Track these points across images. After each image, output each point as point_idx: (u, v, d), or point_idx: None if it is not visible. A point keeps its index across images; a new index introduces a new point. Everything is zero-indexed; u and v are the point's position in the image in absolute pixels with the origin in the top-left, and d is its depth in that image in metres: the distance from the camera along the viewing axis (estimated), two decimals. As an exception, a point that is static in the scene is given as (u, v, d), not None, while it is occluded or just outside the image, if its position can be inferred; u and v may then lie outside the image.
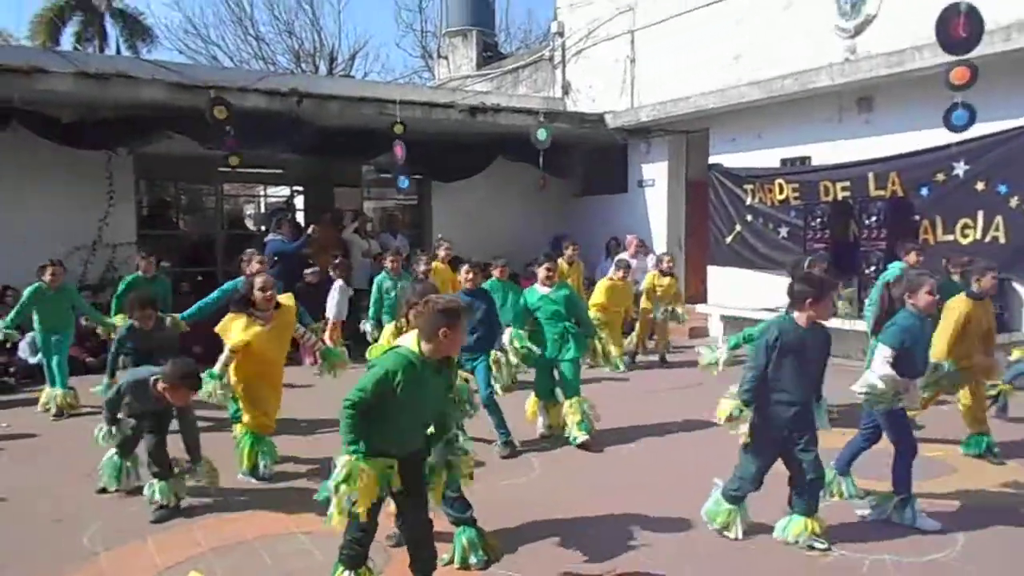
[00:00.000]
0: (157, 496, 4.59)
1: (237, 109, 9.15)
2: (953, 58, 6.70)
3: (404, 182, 10.97)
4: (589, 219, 13.50)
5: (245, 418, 5.28)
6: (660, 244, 12.23)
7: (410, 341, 3.20)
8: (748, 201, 10.74)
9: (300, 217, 13.56)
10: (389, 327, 4.57)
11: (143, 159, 10.76)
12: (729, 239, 11.13)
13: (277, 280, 10.06)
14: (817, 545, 3.99)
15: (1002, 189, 7.78)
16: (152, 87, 9.19)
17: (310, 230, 9.97)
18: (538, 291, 6.23)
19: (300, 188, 14.15)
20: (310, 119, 10.24)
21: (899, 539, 4.19)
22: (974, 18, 6.48)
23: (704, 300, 11.68)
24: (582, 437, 5.86)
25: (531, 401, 6.33)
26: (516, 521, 4.42)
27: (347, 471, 3.06)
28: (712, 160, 11.40)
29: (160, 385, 4.45)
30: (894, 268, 6.54)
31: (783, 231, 10.25)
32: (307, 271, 9.93)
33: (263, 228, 11.80)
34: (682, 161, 12.37)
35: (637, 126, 12.15)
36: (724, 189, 11.16)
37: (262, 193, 15.68)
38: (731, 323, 11.15)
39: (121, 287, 7.60)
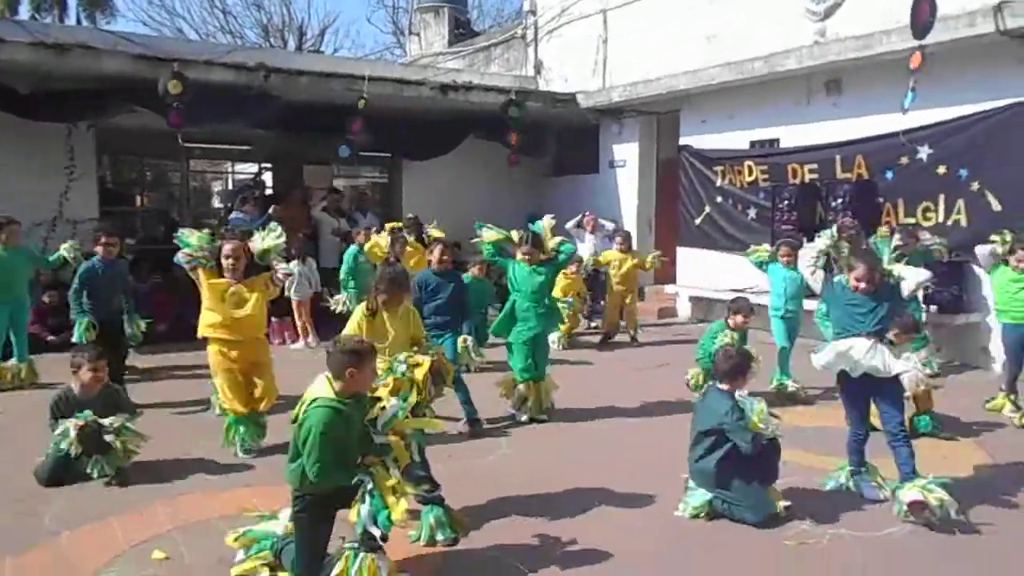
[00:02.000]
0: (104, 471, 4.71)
1: (202, 83, 8.96)
2: (918, 43, 6.77)
3: (345, 151, 10.68)
4: (561, 199, 13.46)
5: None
6: (631, 224, 12.27)
7: (322, 387, 3.32)
8: (718, 183, 10.82)
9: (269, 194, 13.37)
10: (360, 308, 4.54)
11: (106, 133, 10.50)
12: (699, 220, 11.21)
13: None
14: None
15: (963, 173, 7.92)
16: (114, 59, 8.94)
17: (271, 210, 9.74)
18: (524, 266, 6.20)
19: (268, 165, 13.95)
20: (277, 94, 10.05)
21: (857, 512, 4.31)
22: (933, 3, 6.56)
23: (673, 281, 11.77)
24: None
25: (505, 382, 6.30)
26: (484, 498, 4.46)
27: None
28: (683, 141, 11.44)
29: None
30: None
31: (752, 212, 10.35)
32: None
33: (229, 205, 11.60)
34: (653, 142, 12.40)
35: (609, 106, 12.14)
36: (694, 170, 11.22)
37: (229, 170, 15.42)
38: (699, 304, 11.28)
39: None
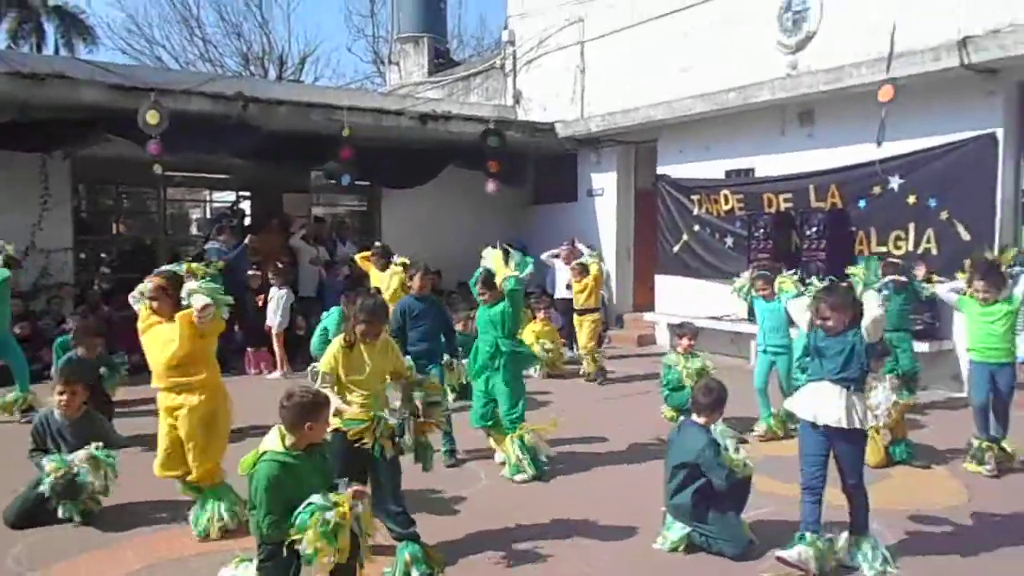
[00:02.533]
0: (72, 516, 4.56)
1: (181, 112, 8.95)
2: (886, 76, 6.94)
3: (346, 178, 10.92)
4: (540, 228, 13.57)
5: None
6: (609, 252, 12.36)
7: (273, 440, 3.32)
8: (695, 211, 10.94)
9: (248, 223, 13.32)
10: (336, 340, 4.47)
11: (81, 162, 10.43)
12: (676, 248, 11.31)
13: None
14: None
15: (932, 203, 8.08)
16: (91, 89, 8.91)
17: (247, 239, 9.66)
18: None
19: (247, 193, 13.91)
20: (256, 124, 10.06)
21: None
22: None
23: (652, 308, 11.83)
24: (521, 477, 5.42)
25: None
26: (461, 532, 4.41)
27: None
28: (660, 171, 11.58)
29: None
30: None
31: (728, 241, 10.46)
32: (249, 273, 9.80)
33: (207, 234, 11.53)
34: (631, 171, 12.54)
35: (587, 136, 12.28)
36: (672, 199, 11.34)
37: (207, 198, 15.35)
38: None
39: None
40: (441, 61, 16.80)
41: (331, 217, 14.67)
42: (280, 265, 9.70)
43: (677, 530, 4.21)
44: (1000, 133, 7.63)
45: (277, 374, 9.29)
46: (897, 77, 7.00)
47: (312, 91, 12.72)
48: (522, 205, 13.98)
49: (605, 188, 12.65)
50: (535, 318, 9.75)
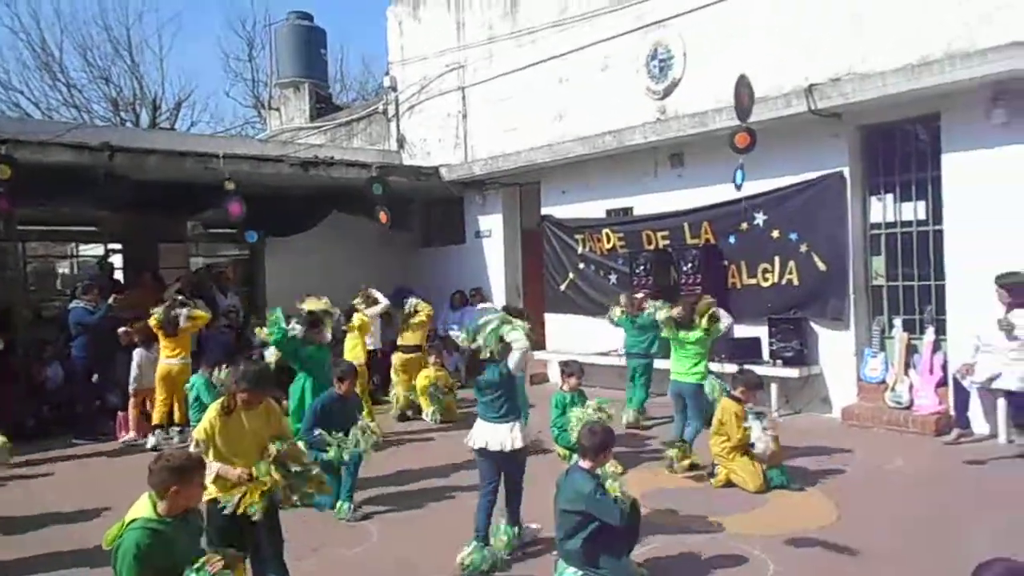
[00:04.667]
0: None
1: (36, 164, 8.42)
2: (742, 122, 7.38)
3: (252, 236, 10.62)
4: (430, 270, 13.56)
5: None
6: (499, 293, 12.48)
7: (143, 507, 3.16)
8: (580, 250, 11.25)
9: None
10: (213, 407, 4.27)
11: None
12: (563, 286, 11.56)
13: (82, 353, 9.08)
14: None
15: (793, 236, 8.66)
16: (-67, 141, 8.26)
17: (111, 300, 9.05)
18: None
19: (118, 246, 13.16)
20: (125, 174, 9.59)
21: (723, 570, 4.45)
22: (751, 90, 7.22)
23: (543, 347, 11.99)
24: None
25: None
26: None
27: None
28: (544, 211, 11.86)
29: None
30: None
31: (612, 278, 10.80)
32: (121, 329, 9.21)
33: (71, 292, 10.79)
34: (517, 212, 12.77)
35: (472, 179, 12.44)
36: (557, 239, 11.62)
37: (74, 252, 14.42)
38: (569, 368, 11.52)
39: None
40: (323, 106, 16.65)
41: (211, 267, 14.12)
42: (135, 323, 9.09)
43: (569, 575, 4.23)
44: (847, 172, 8.29)
45: (130, 436, 8.74)
46: (753, 122, 7.47)
47: (185, 139, 12.31)
48: (411, 248, 13.94)
49: (492, 229, 12.81)
50: (427, 363, 9.69)
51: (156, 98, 24.31)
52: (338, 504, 5.69)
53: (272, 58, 17.76)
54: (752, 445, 5.97)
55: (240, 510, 3.78)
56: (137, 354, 8.83)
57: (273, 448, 3.98)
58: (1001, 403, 6.98)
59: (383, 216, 10.69)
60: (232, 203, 9.81)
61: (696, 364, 6.72)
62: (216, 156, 9.93)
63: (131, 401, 8.83)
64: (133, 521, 3.12)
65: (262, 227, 12.20)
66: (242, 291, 12.44)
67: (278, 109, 16.89)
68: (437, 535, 5.32)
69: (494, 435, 4.80)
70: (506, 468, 4.88)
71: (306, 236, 12.14)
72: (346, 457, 5.57)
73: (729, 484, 6.02)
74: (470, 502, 6.00)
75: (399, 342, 9.92)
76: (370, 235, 11.68)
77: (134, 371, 8.78)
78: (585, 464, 4.29)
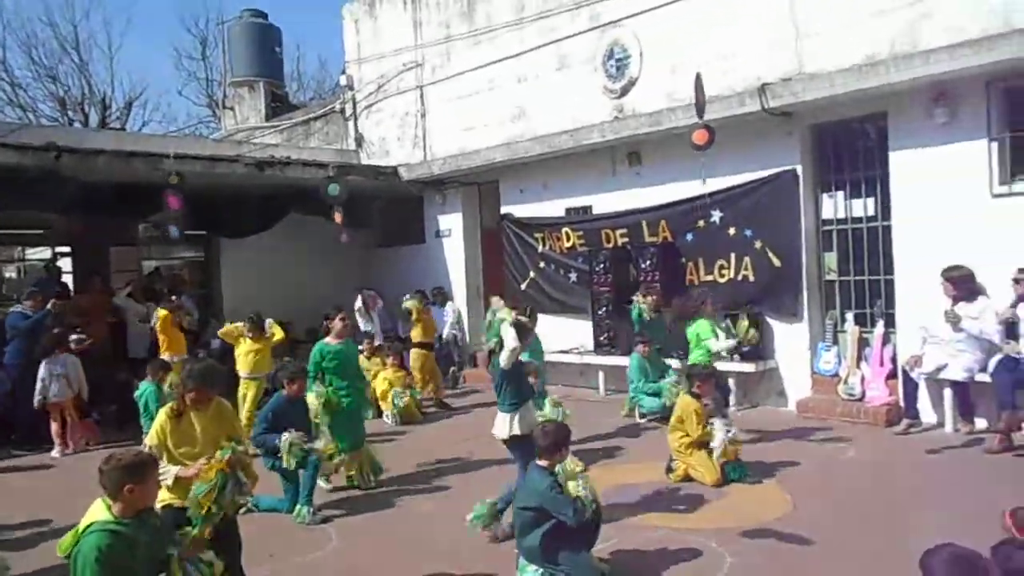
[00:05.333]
0: None
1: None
2: (699, 120, 7.47)
3: (175, 231, 10.03)
4: (390, 270, 13.46)
5: None
6: (460, 292, 12.46)
7: (98, 511, 3.08)
8: (540, 248, 11.27)
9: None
10: (163, 411, 4.19)
11: None
12: (524, 285, 11.57)
13: (14, 359, 8.69)
14: None
15: (748, 233, 8.80)
16: None
17: (50, 305, 8.70)
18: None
19: (67, 249, 12.80)
20: (71, 175, 9.31)
21: (682, 564, 4.50)
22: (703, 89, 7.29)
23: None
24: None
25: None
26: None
27: None
28: (504, 210, 11.85)
29: None
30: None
31: (572, 276, 10.84)
32: (72, 337, 8.85)
33: (17, 297, 10.45)
34: (476, 211, 12.74)
35: (431, 178, 12.37)
36: (517, 238, 11.62)
37: (20, 256, 13.98)
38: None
39: None
40: (279, 105, 16.40)
41: (164, 270, 13.83)
42: (64, 331, 8.70)
43: (530, 572, 4.23)
44: (800, 169, 8.45)
45: (56, 452, 8.22)
46: (709, 120, 7.56)
47: (135, 139, 12.01)
48: (370, 248, 13.82)
49: (452, 229, 12.76)
50: (385, 365, 9.62)
51: (105, 97, 23.74)
52: (297, 508, 5.64)
53: (226, 56, 17.44)
54: (707, 444, 6.07)
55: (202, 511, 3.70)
56: (43, 367, 8.19)
57: (221, 454, 3.87)
58: (948, 393, 7.20)
59: (338, 217, 10.53)
60: (171, 196, 9.43)
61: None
62: (167, 156, 9.71)
63: (52, 413, 8.25)
64: (90, 526, 3.02)
65: (216, 229, 12.02)
66: (197, 293, 12.19)
67: (233, 108, 16.59)
68: (395, 541, 5.28)
69: (498, 423, 5.17)
70: (511, 453, 5.20)
71: (263, 237, 11.97)
72: (293, 464, 5.59)
73: (687, 479, 6.09)
74: (429, 504, 6.01)
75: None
76: (329, 235, 11.53)
77: (39, 384, 8.15)
78: (542, 462, 4.31)
